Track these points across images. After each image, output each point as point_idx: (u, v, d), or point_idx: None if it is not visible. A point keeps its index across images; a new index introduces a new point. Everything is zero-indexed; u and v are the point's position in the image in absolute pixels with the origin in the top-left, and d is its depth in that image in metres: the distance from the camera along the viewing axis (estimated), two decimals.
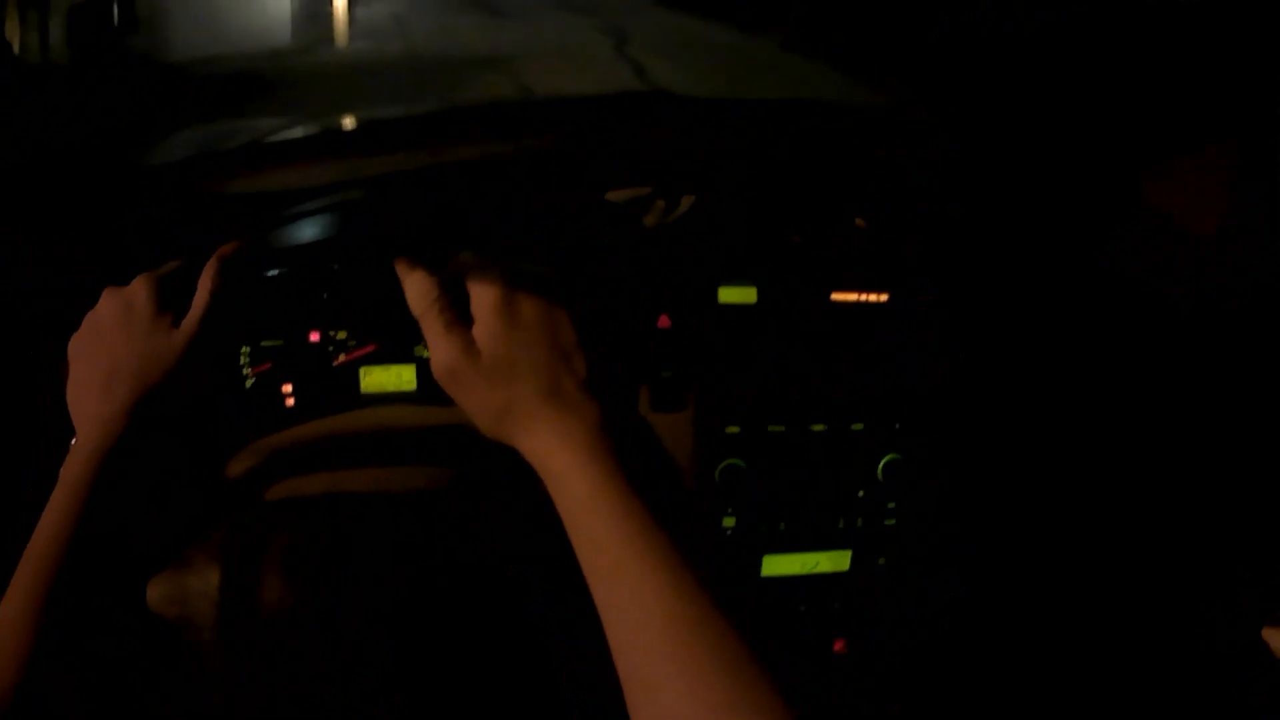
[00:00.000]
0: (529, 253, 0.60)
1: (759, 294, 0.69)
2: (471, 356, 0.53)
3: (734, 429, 0.69)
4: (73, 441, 0.65)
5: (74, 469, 0.57)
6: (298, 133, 0.71)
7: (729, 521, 0.71)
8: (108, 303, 0.62)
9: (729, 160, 0.70)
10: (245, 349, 0.67)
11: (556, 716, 0.67)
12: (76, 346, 0.62)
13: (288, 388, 0.67)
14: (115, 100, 0.77)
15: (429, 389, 0.66)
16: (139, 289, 0.61)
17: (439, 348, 0.54)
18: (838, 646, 0.76)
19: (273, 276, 0.66)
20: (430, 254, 0.59)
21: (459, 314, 0.55)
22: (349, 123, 0.71)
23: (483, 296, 0.54)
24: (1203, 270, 0.73)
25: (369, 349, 0.66)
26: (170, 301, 0.61)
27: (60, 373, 0.66)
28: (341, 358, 0.67)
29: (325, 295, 0.66)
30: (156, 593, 0.65)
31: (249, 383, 0.67)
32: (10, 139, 0.76)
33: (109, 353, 0.60)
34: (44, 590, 0.54)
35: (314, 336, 0.67)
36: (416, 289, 0.56)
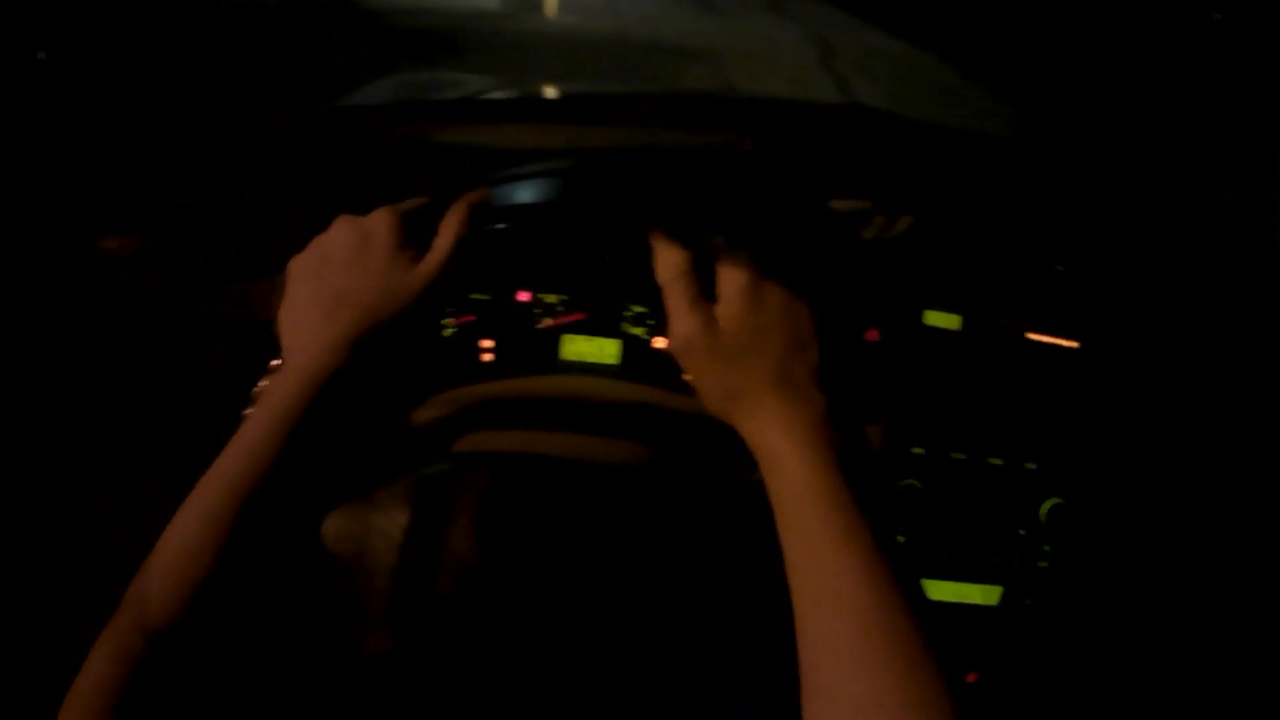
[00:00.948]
0: (752, 243, 0.60)
1: (963, 322, 0.69)
2: (711, 333, 0.54)
3: (919, 450, 0.70)
4: (274, 363, 0.64)
5: (285, 390, 0.56)
6: (513, 94, 0.71)
7: (898, 539, 0.71)
8: (342, 230, 0.61)
9: (948, 186, 0.71)
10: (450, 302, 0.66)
11: (718, 708, 0.67)
12: (300, 268, 0.61)
13: (488, 343, 0.66)
14: (318, 40, 0.77)
15: (632, 365, 0.66)
16: (380, 221, 0.61)
17: (682, 319, 0.55)
18: (970, 678, 0.76)
19: (496, 230, 0.66)
20: (681, 231, 0.59)
21: (704, 291, 0.55)
22: (560, 92, 0.71)
23: (730, 278, 0.55)
24: None
25: (577, 317, 0.66)
26: (410, 238, 0.61)
27: (265, 296, 0.65)
28: (547, 321, 0.66)
29: (542, 256, 0.66)
30: (334, 528, 0.64)
31: (447, 332, 0.66)
32: (210, 77, 0.75)
33: (339, 279, 0.59)
34: (230, 513, 0.52)
35: (523, 296, 0.66)
36: (667, 259, 0.57)
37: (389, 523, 0.63)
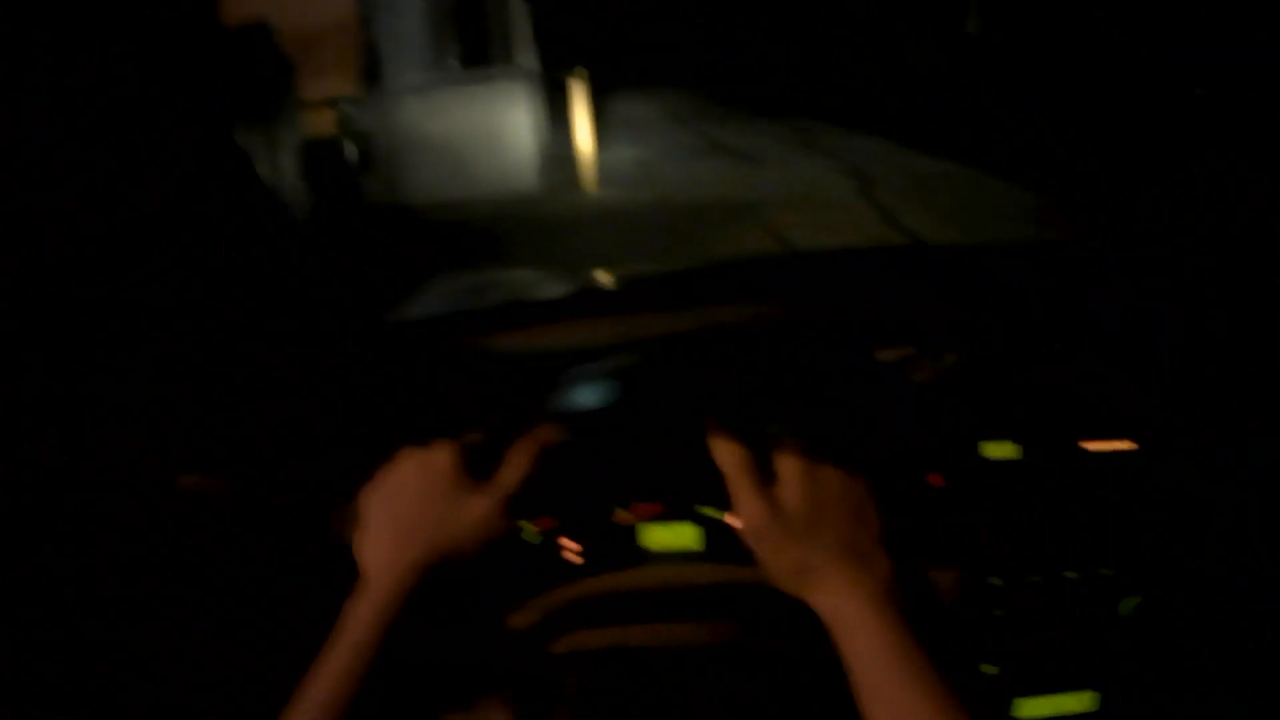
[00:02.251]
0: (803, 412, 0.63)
1: (1021, 449, 0.71)
2: (778, 516, 0.57)
3: (997, 581, 0.71)
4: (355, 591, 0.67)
5: (364, 616, 0.59)
6: (557, 289, 0.74)
7: (989, 669, 0.73)
8: (408, 463, 0.64)
9: (984, 311, 0.73)
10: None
11: None
12: (371, 501, 0.64)
13: (570, 544, 0.69)
14: (360, 245, 0.80)
15: (714, 547, 0.68)
16: (442, 453, 0.64)
17: (749, 507, 0.58)
18: None
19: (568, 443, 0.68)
20: (737, 419, 0.62)
21: (764, 475, 0.59)
22: (609, 279, 0.73)
23: (789, 460, 0.59)
24: None
25: (656, 509, 0.69)
26: (472, 466, 0.63)
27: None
28: (624, 516, 0.69)
29: (610, 458, 0.69)
30: None
31: (535, 539, 0.69)
32: (255, 289, 0.79)
33: (408, 509, 0.62)
34: None
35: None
36: (728, 452, 0.61)
37: None
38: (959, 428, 0.70)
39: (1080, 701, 0.76)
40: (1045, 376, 0.74)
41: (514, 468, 0.64)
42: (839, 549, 0.57)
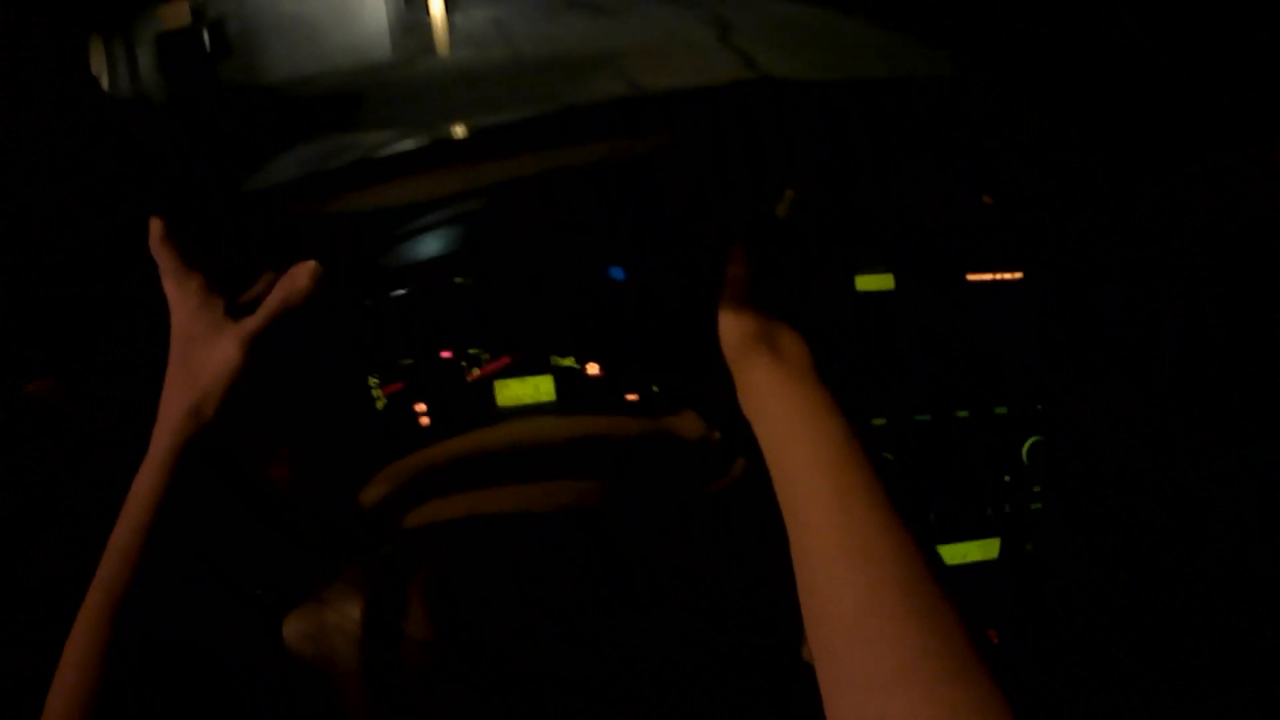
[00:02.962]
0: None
1: (896, 280, 0.67)
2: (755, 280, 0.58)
3: (880, 420, 0.67)
4: None
5: (139, 481, 0.53)
6: (408, 145, 0.69)
7: None
8: (177, 310, 0.58)
9: (847, 146, 0.69)
10: (374, 375, 0.64)
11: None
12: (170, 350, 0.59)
13: (421, 406, 0.64)
14: (216, 127, 0.75)
15: (569, 398, 0.63)
16: (196, 293, 0.58)
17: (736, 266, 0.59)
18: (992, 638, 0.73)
19: (399, 296, 0.64)
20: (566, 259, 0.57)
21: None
22: (460, 131, 0.69)
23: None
24: None
25: (504, 362, 0.64)
26: (238, 309, 0.58)
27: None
28: (475, 373, 0.64)
29: (453, 313, 0.64)
30: (292, 630, 0.62)
31: (380, 404, 0.64)
32: (108, 176, 0.74)
33: (175, 357, 0.57)
34: (110, 617, 0.49)
35: (446, 354, 0.64)
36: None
37: (341, 616, 0.61)
38: (830, 261, 0.66)
39: (984, 550, 0.72)
40: (920, 210, 0.70)
41: (263, 307, 0.57)
42: (790, 320, 0.56)
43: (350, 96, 0.70)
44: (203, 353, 0.55)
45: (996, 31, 0.70)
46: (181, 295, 0.58)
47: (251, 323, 0.56)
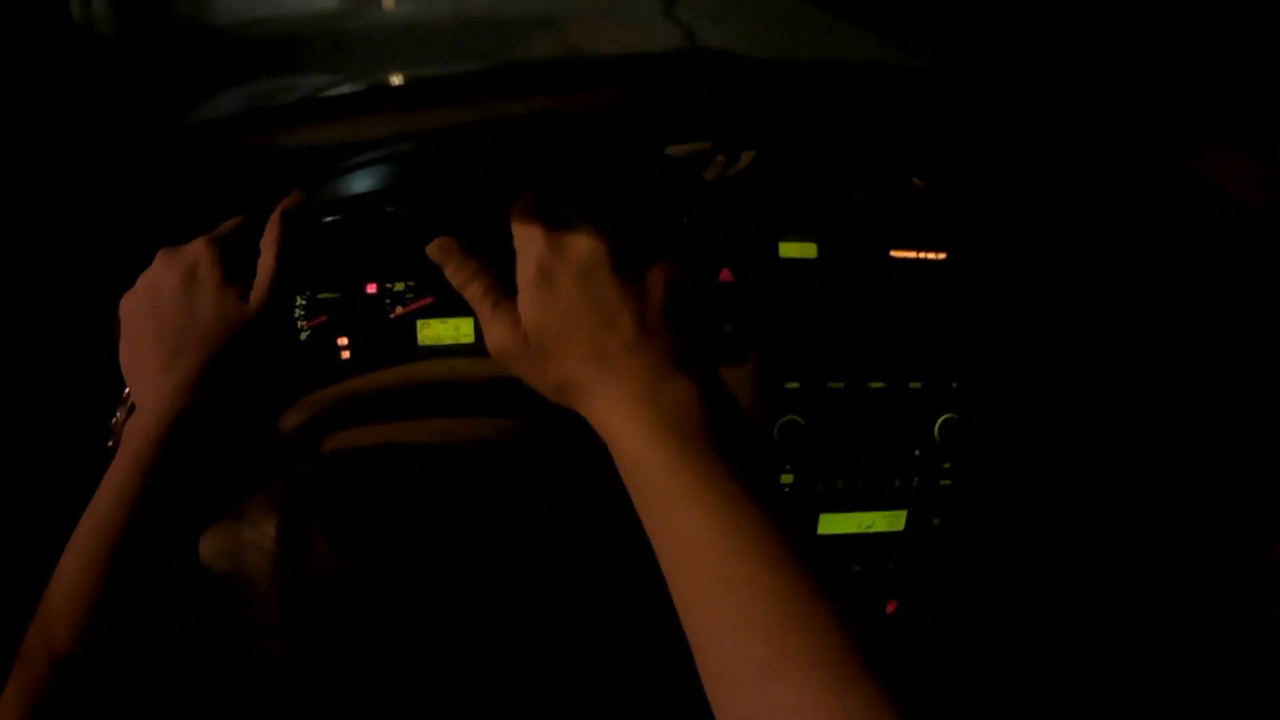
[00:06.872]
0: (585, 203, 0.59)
1: (819, 249, 0.68)
2: (519, 335, 0.50)
3: (794, 384, 0.69)
4: (127, 399, 0.64)
5: (137, 437, 0.57)
6: (349, 89, 0.70)
7: (786, 478, 0.70)
8: (166, 267, 0.60)
9: (786, 117, 0.70)
10: (300, 301, 0.66)
11: (617, 682, 0.67)
12: (132, 307, 0.60)
13: (343, 340, 0.66)
14: (163, 64, 0.76)
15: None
16: (202, 254, 0.60)
17: (489, 331, 0.52)
18: (890, 608, 0.75)
19: (329, 223, 0.65)
20: (480, 211, 0.58)
21: (504, 284, 0.53)
22: (399, 79, 0.70)
23: (523, 267, 0.52)
24: (1257, 242, 0.73)
25: (426, 301, 0.66)
26: (235, 266, 0.60)
27: (112, 333, 0.65)
28: (398, 310, 0.66)
29: (381, 246, 0.65)
30: (209, 547, 0.64)
31: (304, 335, 0.66)
32: (57, 110, 0.75)
33: (172, 320, 0.58)
34: (105, 556, 0.54)
35: (370, 288, 0.66)
36: (455, 268, 0.54)
37: (259, 534, 0.62)
38: (753, 226, 0.67)
39: (890, 521, 0.74)
40: (847, 185, 0.71)
41: (269, 248, 0.60)
42: (588, 362, 0.50)
43: (294, 42, 0.72)
44: (210, 317, 0.59)
45: (969, 23, 0.71)
46: (182, 252, 0.61)
47: (261, 287, 0.60)
